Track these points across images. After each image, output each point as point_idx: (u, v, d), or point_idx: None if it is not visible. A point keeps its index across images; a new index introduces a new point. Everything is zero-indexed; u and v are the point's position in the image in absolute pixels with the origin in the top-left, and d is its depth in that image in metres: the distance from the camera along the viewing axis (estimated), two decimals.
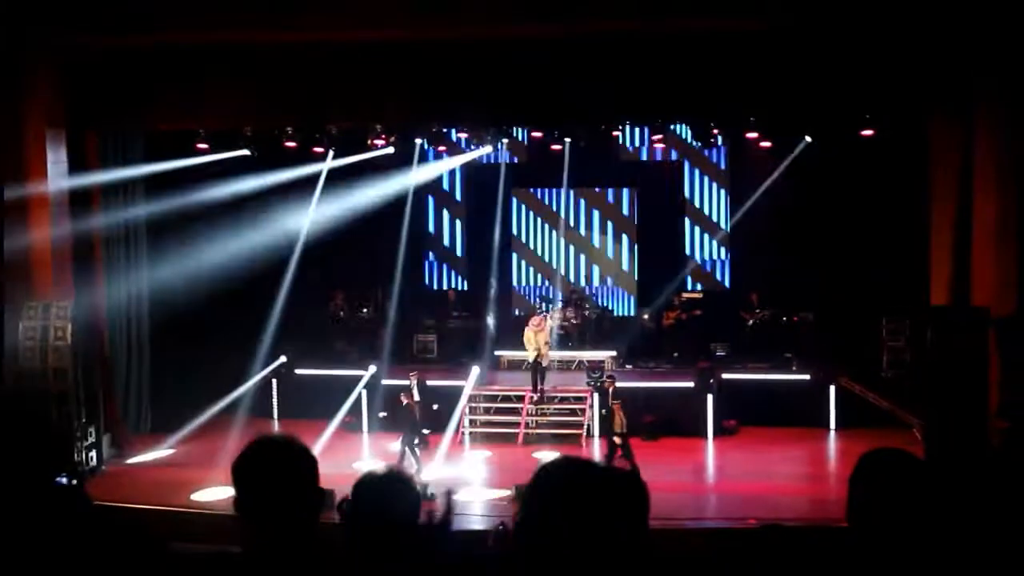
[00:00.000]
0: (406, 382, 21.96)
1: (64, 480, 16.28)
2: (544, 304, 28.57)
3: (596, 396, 23.65)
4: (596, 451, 22.80)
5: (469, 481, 19.23)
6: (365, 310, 27.89)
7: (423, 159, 28.33)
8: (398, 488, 4.71)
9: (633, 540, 3.60)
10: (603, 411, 21.16)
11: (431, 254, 30.95)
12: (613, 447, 19.92)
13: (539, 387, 24.04)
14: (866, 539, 3.86)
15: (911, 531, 3.79)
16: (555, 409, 24.28)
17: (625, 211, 30.13)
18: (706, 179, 29.65)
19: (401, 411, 20.77)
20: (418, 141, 25.60)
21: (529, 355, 24.12)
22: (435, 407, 21.52)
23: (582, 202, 30.12)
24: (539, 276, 30.45)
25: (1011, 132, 18.19)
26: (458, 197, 30.84)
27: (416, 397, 21.09)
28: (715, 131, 22.66)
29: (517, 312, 29.66)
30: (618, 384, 21.68)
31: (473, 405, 24.19)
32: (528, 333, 24.03)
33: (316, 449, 18.11)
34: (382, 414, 21.62)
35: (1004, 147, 18.25)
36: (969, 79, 18.60)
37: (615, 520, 3.56)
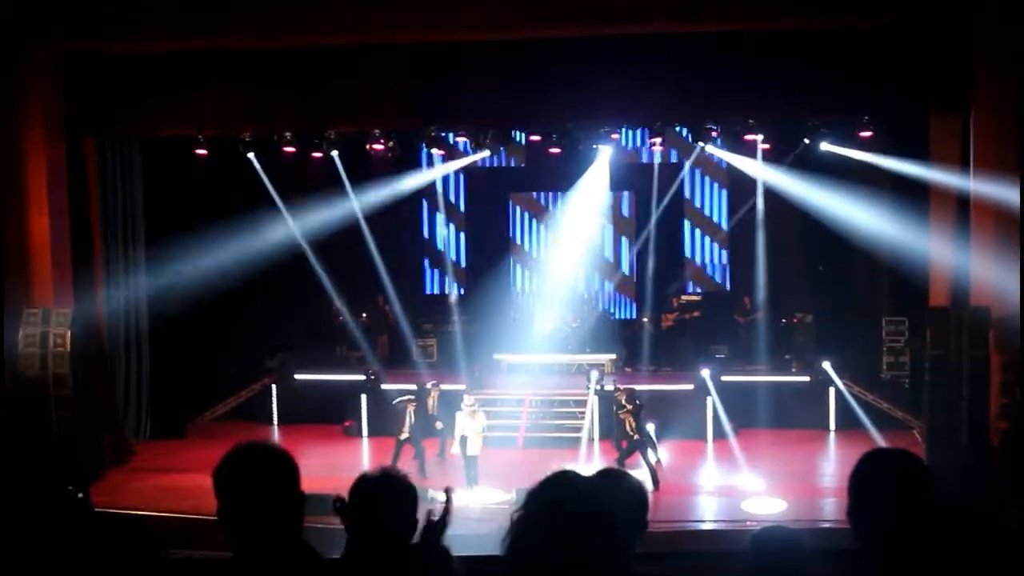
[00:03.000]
0: (410, 386, 21.96)
1: (71, 491, 16.30)
2: (543, 307, 28.46)
3: (596, 400, 23.64)
4: (596, 454, 22.81)
5: (470, 485, 19.19)
6: (364, 315, 27.88)
7: (422, 163, 28.34)
8: (395, 489, 4.72)
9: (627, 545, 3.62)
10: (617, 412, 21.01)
11: (430, 259, 30.91)
12: (626, 451, 19.94)
13: (470, 483, 19.59)
14: (866, 539, 3.86)
15: (911, 531, 3.79)
16: (555, 413, 24.25)
17: (624, 213, 30.12)
18: (706, 180, 29.66)
19: (400, 413, 20.75)
20: (417, 145, 25.57)
21: (457, 446, 20.10)
22: (438, 424, 21.39)
23: (580, 205, 30.08)
24: (537, 280, 30.41)
25: (1008, 130, 18.19)
26: (456, 201, 30.82)
27: (433, 408, 21.10)
28: (713, 133, 22.66)
29: (515, 317, 29.66)
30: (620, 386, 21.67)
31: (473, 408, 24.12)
32: (459, 417, 20.02)
33: (315, 453, 18.09)
34: (439, 424, 21.34)
35: (1002, 146, 18.25)
36: (967, 78, 18.61)
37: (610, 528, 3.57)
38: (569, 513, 3.58)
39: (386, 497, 4.69)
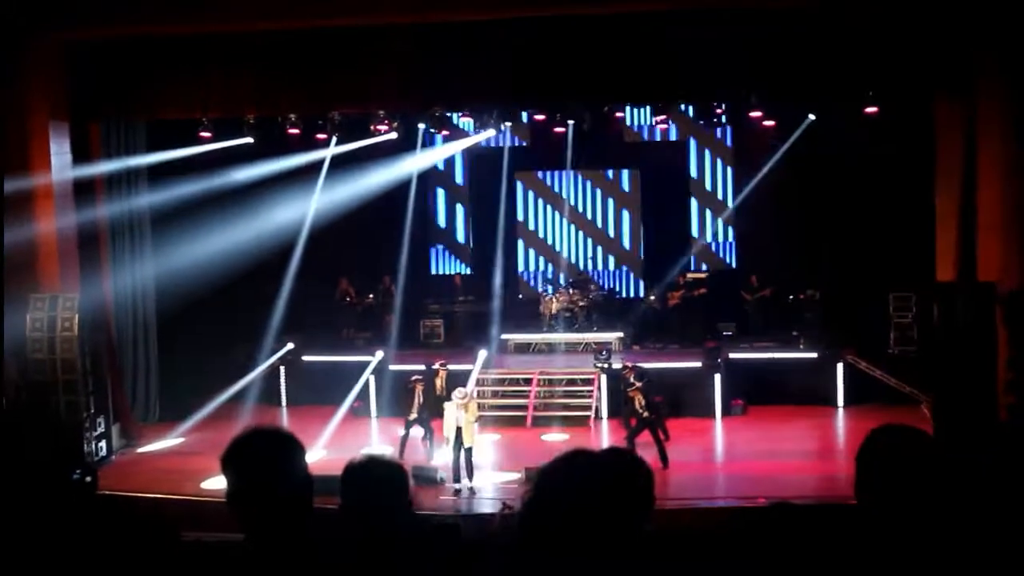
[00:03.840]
0: (419, 367, 21.99)
1: (78, 476, 16.36)
2: (548, 287, 28.47)
3: (604, 378, 23.66)
4: (604, 432, 22.84)
5: (479, 465, 19.21)
6: (371, 296, 27.89)
7: (426, 144, 28.33)
8: (382, 474, 4.76)
9: (636, 523, 3.63)
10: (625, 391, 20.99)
11: (436, 239, 30.91)
12: (635, 428, 19.93)
13: (467, 477, 18.85)
14: (874, 515, 3.86)
15: (919, 507, 3.79)
16: (563, 391, 24.28)
17: (630, 191, 30.10)
18: (712, 158, 29.62)
19: (408, 395, 20.76)
20: (421, 126, 25.54)
21: (448, 438, 18.91)
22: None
23: (587, 184, 30.10)
24: (543, 260, 30.41)
25: (1014, 108, 18.17)
26: (461, 181, 30.81)
27: (441, 389, 21.07)
28: (719, 110, 22.62)
29: (521, 296, 29.66)
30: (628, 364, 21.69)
31: (481, 389, 24.15)
32: (449, 408, 19.01)
33: (324, 435, 18.10)
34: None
35: (1008, 123, 18.23)
36: (971, 56, 18.58)
37: (620, 506, 3.59)
38: (579, 492, 3.60)
39: (373, 481, 4.73)
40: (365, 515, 4.71)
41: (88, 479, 16.57)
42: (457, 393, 19.04)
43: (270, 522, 3.95)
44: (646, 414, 19.78)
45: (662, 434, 20.03)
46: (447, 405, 19.00)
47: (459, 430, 18.61)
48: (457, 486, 18.48)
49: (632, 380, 20.20)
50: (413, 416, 20.51)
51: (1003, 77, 18.28)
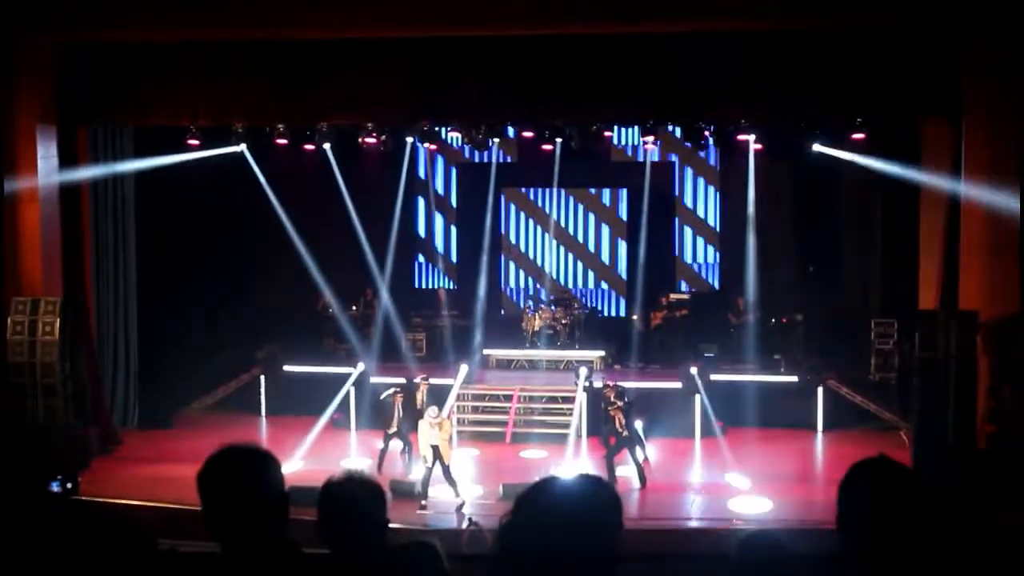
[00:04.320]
0: (399, 380, 21.97)
1: (57, 486, 16.31)
2: (531, 303, 28.47)
3: (584, 396, 23.66)
4: (584, 451, 22.82)
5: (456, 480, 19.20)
6: (354, 307, 27.87)
7: (414, 157, 28.36)
8: (358, 490, 4.76)
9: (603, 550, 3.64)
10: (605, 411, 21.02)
11: (420, 253, 30.91)
12: (614, 448, 19.93)
13: (453, 492, 18.72)
14: (855, 548, 3.87)
15: (900, 542, 3.80)
16: (543, 408, 24.27)
17: (616, 211, 30.14)
18: (698, 179, 29.69)
19: (388, 407, 20.74)
20: (409, 139, 25.56)
21: (424, 454, 18.81)
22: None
23: (572, 201, 30.14)
24: (527, 276, 30.43)
25: (999, 134, 18.27)
26: (447, 195, 30.82)
27: (421, 402, 21.05)
28: (706, 132, 22.68)
29: (504, 312, 29.68)
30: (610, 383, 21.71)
31: (461, 404, 24.16)
32: (423, 427, 18.90)
33: (303, 446, 18.10)
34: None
35: (993, 149, 18.32)
36: (957, 83, 18.67)
37: (587, 533, 3.60)
38: (554, 522, 3.60)
39: (351, 501, 4.73)
40: (342, 533, 4.71)
41: (68, 485, 16.53)
42: (431, 412, 18.96)
43: (244, 537, 3.94)
44: (625, 433, 19.78)
45: (641, 454, 20.02)
46: (421, 424, 18.95)
47: (436, 448, 18.60)
48: (424, 502, 18.46)
49: (613, 399, 20.20)
50: (393, 430, 20.49)
51: (989, 103, 18.38)
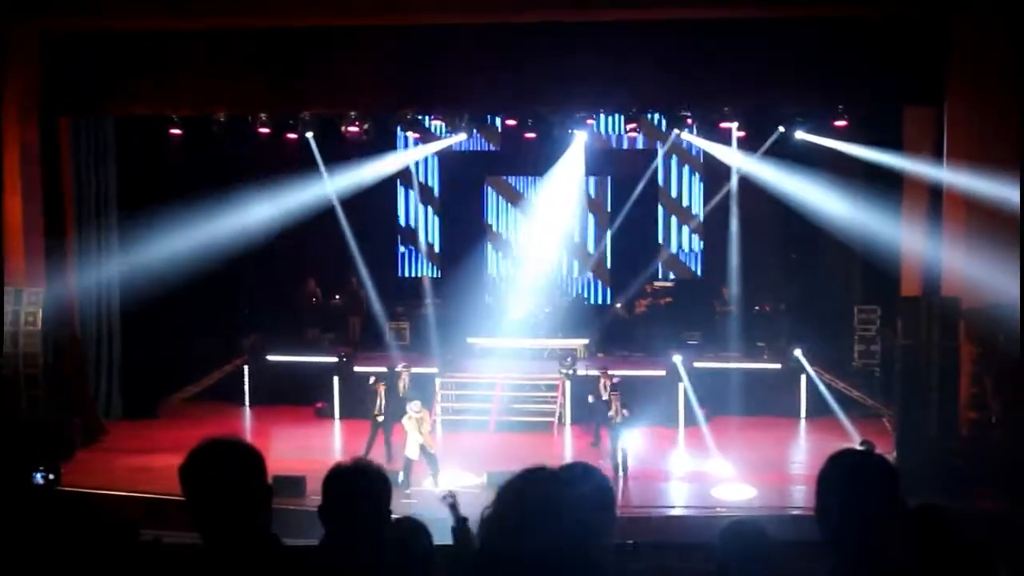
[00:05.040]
0: (381, 369, 22.00)
1: (40, 477, 16.29)
2: (515, 292, 28.41)
3: (568, 384, 23.69)
4: (568, 439, 22.86)
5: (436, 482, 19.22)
6: (338, 297, 27.84)
7: (397, 146, 28.36)
8: (366, 480, 4.74)
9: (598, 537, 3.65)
10: (590, 399, 21.02)
11: (404, 241, 30.88)
12: (604, 433, 20.01)
13: (433, 481, 19.09)
14: (834, 539, 3.89)
15: (878, 532, 3.82)
16: (527, 397, 24.28)
17: (599, 199, 30.14)
18: (682, 168, 29.71)
19: (372, 395, 20.76)
20: (392, 128, 25.55)
21: (409, 451, 19.03)
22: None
23: (554, 190, 30.11)
24: (511, 264, 30.40)
25: (981, 121, 18.32)
26: (431, 184, 30.78)
27: (403, 390, 21.08)
28: (688, 120, 22.69)
29: (488, 300, 29.67)
30: (590, 372, 21.77)
31: (445, 392, 24.17)
32: (407, 423, 19.07)
33: (287, 436, 18.04)
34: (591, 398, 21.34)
35: (975, 135, 18.37)
36: (941, 68, 18.71)
37: (582, 521, 3.61)
38: (539, 511, 3.61)
39: (360, 490, 4.71)
40: (346, 520, 4.69)
41: (51, 476, 16.51)
42: (413, 407, 19.13)
43: (227, 529, 3.95)
44: (618, 419, 19.84)
45: (625, 442, 20.05)
46: (405, 420, 19.07)
47: (419, 442, 18.88)
48: (408, 491, 18.52)
49: (609, 386, 20.30)
50: (381, 418, 20.50)
51: (972, 89, 18.43)
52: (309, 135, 24.07)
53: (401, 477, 18.68)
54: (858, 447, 19.92)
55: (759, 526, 5.33)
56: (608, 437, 20.07)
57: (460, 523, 4.64)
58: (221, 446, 4.09)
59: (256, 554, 3.96)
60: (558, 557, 3.56)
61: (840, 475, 3.93)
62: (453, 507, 4.60)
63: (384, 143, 26.94)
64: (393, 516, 4.81)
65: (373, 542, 4.59)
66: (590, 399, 21.11)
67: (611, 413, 19.94)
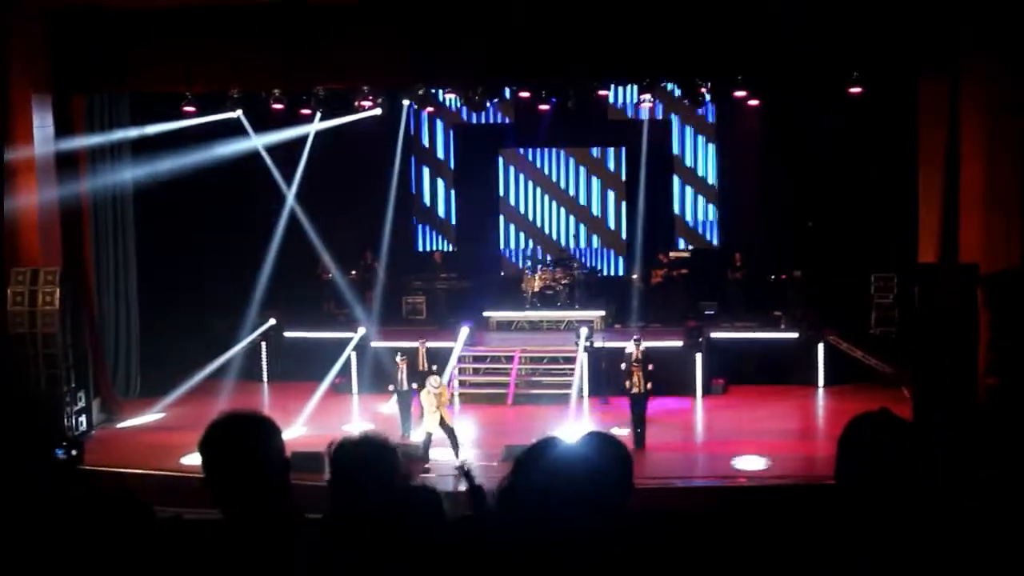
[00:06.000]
0: (400, 344, 22.06)
1: (61, 453, 16.33)
2: (530, 264, 28.37)
3: (586, 356, 23.68)
4: (586, 411, 22.87)
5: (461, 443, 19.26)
6: (353, 272, 27.84)
7: (411, 120, 28.33)
8: (373, 452, 4.74)
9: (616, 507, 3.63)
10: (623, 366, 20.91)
11: (418, 216, 30.84)
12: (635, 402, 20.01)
13: (454, 454, 19.22)
14: (855, 502, 3.87)
15: (900, 495, 3.80)
16: (545, 369, 24.28)
17: (613, 170, 30.06)
18: (696, 136, 29.59)
19: (395, 370, 20.84)
20: (405, 102, 25.52)
21: (428, 425, 19.26)
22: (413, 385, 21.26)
23: (571, 161, 30.05)
24: (526, 237, 30.36)
25: (997, 89, 18.21)
26: (443, 157, 30.72)
27: (423, 364, 21.19)
28: (703, 89, 22.59)
29: (503, 274, 29.62)
30: (607, 344, 21.77)
31: (463, 366, 24.19)
32: (425, 396, 19.36)
33: (305, 411, 18.07)
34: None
35: (991, 102, 18.27)
36: (956, 35, 18.59)
37: (599, 492, 3.60)
38: (555, 482, 3.60)
39: (364, 460, 4.72)
40: (354, 493, 4.70)
41: (73, 452, 16.55)
42: (432, 382, 19.28)
43: (247, 504, 3.94)
44: (638, 391, 19.82)
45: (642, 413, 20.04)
46: (423, 394, 19.23)
47: (438, 415, 19.05)
48: (428, 464, 18.63)
49: (638, 356, 20.27)
50: (404, 388, 20.54)
51: (987, 54, 18.32)
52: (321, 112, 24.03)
53: (420, 451, 18.76)
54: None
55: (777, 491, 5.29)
56: (630, 407, 20.05)
57: (476, 491, 4.60)
58: (239, 419, 4.09)
59: (275, 528, 3.96)
60: (574, 528, 3.55)
61: (861, 436, 3.92)
62: (468, 475, 4.58)
63: (397, 118, 26.98)
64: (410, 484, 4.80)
65: (381, 512, 4.59)
66: (623, 367, 20.96)
67: (633, 381, 19.90)
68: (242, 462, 3.95)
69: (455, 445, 18.99)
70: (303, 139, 25.70)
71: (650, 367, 20.15)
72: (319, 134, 25.50)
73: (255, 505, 3.94)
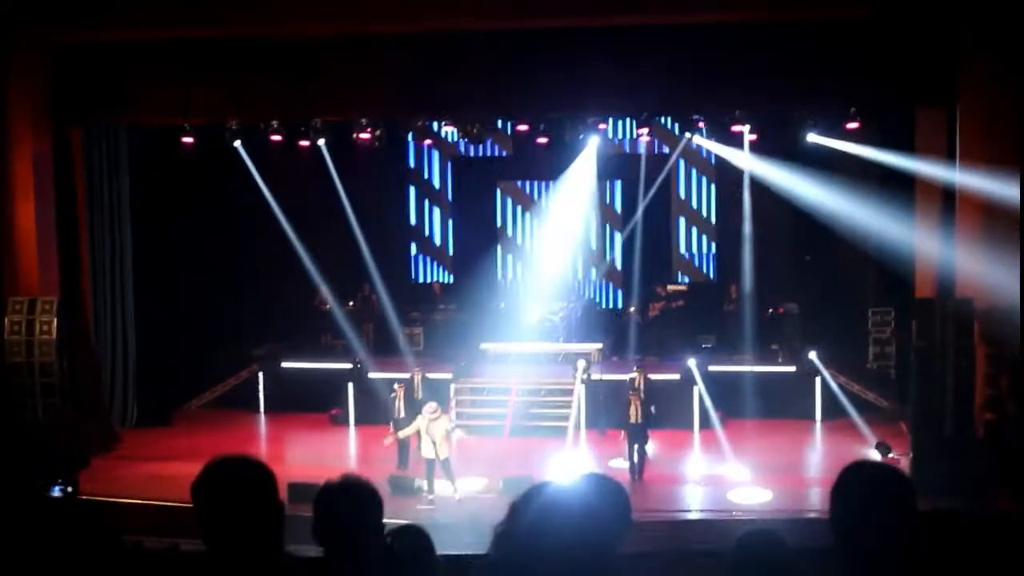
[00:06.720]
0: (396, 375, 22.05)
1: (58, 490, 16.34)
2: (530, 296, 28.37)
3: (583, 388, 23.66)
4: (583, 443, 22.84)
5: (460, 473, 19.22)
6: (351, 303, 27.85)
7: (408, 152, 28.39)
8: (350, 498, 4.78)
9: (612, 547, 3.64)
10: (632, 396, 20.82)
11: (416, 247, 30.88)
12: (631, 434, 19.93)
13: (451, 486, 18.90)
14: (849, 550, 3.88)
15: (893, 543, 3.81)
16: (541, 402, 24.25)
17: (612, 203, 30.09)
18: (691, 170, 29.65)
19: (391, 401, 20.80)
20: (404, 133, 25.58)
21: (425, 451, 18.94)
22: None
23: (566, 194, 30.07)
24: (524, 269, 30.37)
25: (996, 121, 18.26)
26: (442, 188, 30.76)
27: (417, 392, 21.17)
28: (700, 124, 22.66)
29: (501, 305, 29.62)
30: (603, 377, 21.78)
31: (459, 397, 24.16)
32: (420, 422, 18.99)
33: (302, 443, 18.09)
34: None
35: (989, 136, 18.32)
36: (953, 69, 18.67)
37: (596, 534, 3.60)
38: (552, 529, 3.61)
39: (346, 508, 4.77)
40: (337, 537, 4.73)
41: (69, 489, 16.56)
42: (428, 408, 19.03)
43: (239, 548, 3.95)
44: (637, 423, 19.76)
45: (643, 446, 20.00)
46: (419, 419, 18.99)
47: (434, 443, 18.70)
48: (431, 496, 18.55)
49: (638, 386, 20.25)
50: (401, 416, 20.45)
51: (984, 88, 18.38)
52: (321, 142, 24.01)
53: (424, 483, 18.72)
54: (874, 449, 19.97)
55: (777, 536, 5.30)
56: (626, 439, 20.00)
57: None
58: (232, 464, 4.09)
59: (266, 570, 3.96)
60: (571, 570, 3.55)
61: (855, 488, 3.92)
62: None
63: (396, 149, 27.04)
64: (397, 523, 4.85)
65: (366, 556, 4.63)
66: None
67: (630, 412, 19.85)
68: (233, 508, 3.96)
69: (451, 478, 18.86)
70: (306, 167, 25.69)
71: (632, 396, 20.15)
72: (318, 162, 25.46)
73: (246, 548, 3.95)
